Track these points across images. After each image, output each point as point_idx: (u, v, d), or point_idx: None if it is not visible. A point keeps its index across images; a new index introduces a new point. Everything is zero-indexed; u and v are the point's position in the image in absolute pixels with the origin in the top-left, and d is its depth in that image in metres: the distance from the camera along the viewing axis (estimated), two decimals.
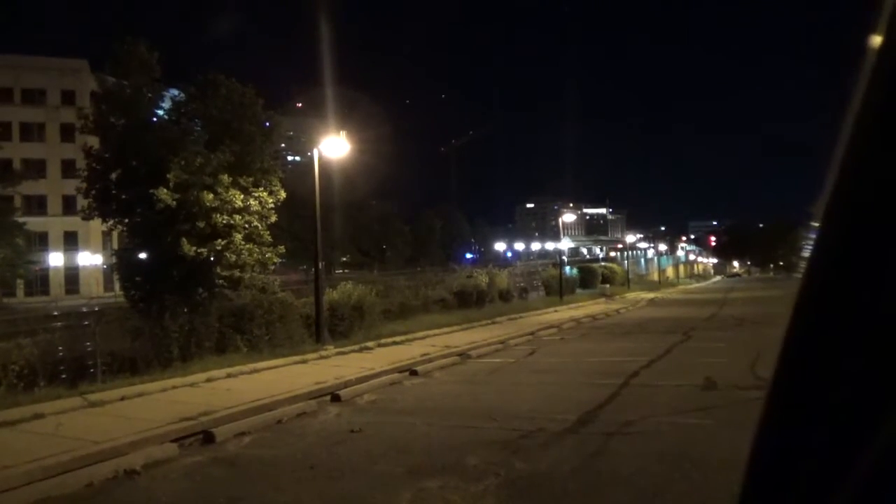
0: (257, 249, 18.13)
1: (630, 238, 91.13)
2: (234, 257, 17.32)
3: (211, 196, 16.78)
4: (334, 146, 17.79)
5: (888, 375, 0.62)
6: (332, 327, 17.59)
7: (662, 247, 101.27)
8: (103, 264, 52.95)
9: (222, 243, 17.09)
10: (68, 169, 47.47)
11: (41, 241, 52.82)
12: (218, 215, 16.95)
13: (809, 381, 0.71)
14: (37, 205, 53.88)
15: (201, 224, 16.82)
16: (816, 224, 0.71)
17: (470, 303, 27.73)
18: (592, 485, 5.76)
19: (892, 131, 0.64)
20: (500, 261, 71.74)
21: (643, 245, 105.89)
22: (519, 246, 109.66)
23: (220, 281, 17.34)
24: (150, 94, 18.74)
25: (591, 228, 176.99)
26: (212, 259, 17.04)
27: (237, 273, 17.55)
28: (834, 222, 0.70)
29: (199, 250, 16.74)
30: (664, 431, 7.46)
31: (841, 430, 0.67)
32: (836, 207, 0.69)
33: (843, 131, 0.67)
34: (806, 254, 0.74)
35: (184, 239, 16.60)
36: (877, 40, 0.64)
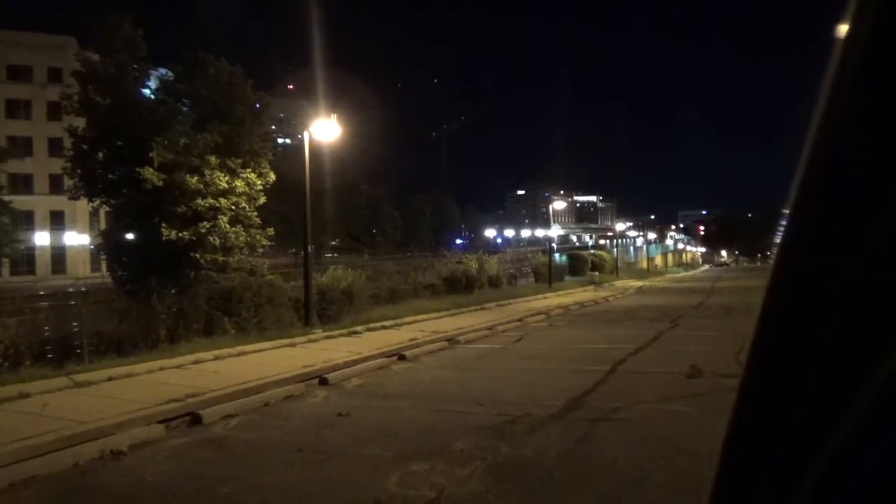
0: (244, 232, 17.99)
1: (620, 226, 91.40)
2: (218, 241, 17.14)
3: (195, 179, 16.57)
4: (325, 129, 17.66)
5: (856, 360, 0.64)
6: (320, 311, 17.57)
7: (652, 235, 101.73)
8: (90, 244, 52.41)
9: (206, 226, 16.91)
10: (55, 147, 46.92)
11: (27, 220, 52.28)
12: (200, 199, 16.74)
13: (780, 366, 0.73)
14: (23, 183, 53.24)
15: (182, 208, 16.63)
16: (787, 211, 0.72)
17: (459, 288, 27.77)
18: (578, 469, 5.81)
19: (856, 121, 0.66)
20: (490, 247, 71.71)
21: (633, 233, 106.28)
22: (509, 232, 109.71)
23: (205, 263, 17.21)
24: (136, 73, 18.47)
25: (582, 216, 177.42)
26: (194, 241, 16.84)
27: (221, 257, 17.40)
28: (803, 209, 0.71)
29: (180, 234, 16.55)
30: (650, 418, 7.54)
31: (811, 415, 0.68)
32: (805, 194, 0.71)
33: (813, 121, 0.69)
34: (778, 240, 0.76)
35: (164, 224, 16.41)
36: (843, 29, 0.66)
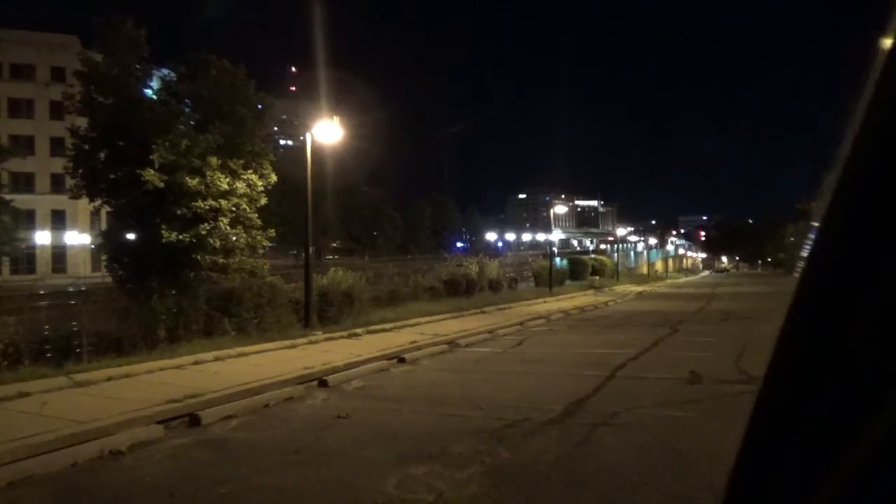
0: (245, 234, 17.98)
1: (621, 231, 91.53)
2: (218, 242, 17.12)
3: (196, 180, 16.56)
4: (327, 131, 17.67)
5: (877, 377, 0.63)
6: (321, 313, 17.56)
7: (652, 240, 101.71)
8: (91, 244, 52.52)
9: (207, 228, 16.88)
10: (57, 146, 47.01)
11: (28, 219, 52.29)
12: (201, 200, 16.71)
13: (802, 380, 0.72)
14: (24, 182, 53.31)
15: (182, 209, 16.62)
16: (816, 224, 0.71)
17: (459, 292, 27.77)
18: (576, 474, 5.81)
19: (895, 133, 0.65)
20: (491, 250, 71.60)
21: (633, 238, 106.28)
22: (510, 236, 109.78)
23: (205, 263, 17.18)
24: (138, 73, 18.47)
25: (583, 220, 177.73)
26: (194, 242, 16.80)
27: (221, 259, 17.38)
28: (836, 222, 0.70)
29: (180, 237, 16.52)
30: (649, 423, 7.53)
31: (831, 430, 0.67)
32: (839, 209, 0.69)
33: (848, 133, 0.67)
34: (805, 253, 0.74)
35: (163, 226, 16.39)
36: (887, 43, 0.64)
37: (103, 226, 25.77)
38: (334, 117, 17.83)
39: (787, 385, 0.74)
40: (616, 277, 54.06)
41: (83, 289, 29.34)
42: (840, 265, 0.70)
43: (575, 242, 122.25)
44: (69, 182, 19.30)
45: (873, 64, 0.66)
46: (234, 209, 17.58)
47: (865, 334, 0.66)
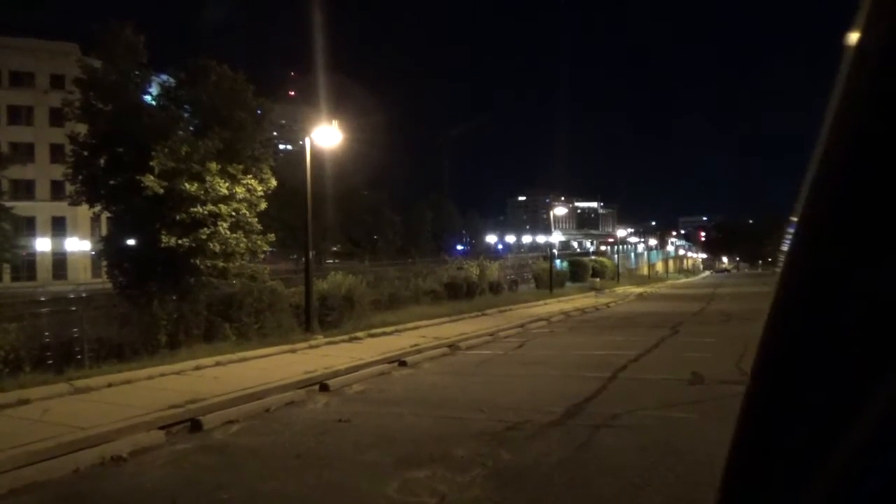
0: (245, 238, 17.98)
1: (621, 232, 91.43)
2: (218, 247, 17.13)
3: (195, 186, 16.56)
4: (326, 135, 17.68)
5: (862, 371, 0.63)
6: (321, 317, 17.55)
7: (653, 241, 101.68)
8: (91, 250, 52.51)
9: (206, 233, 16.89)
10: (57, 153, 47.01)
11: (29, 226, 52.28)
12: (200, 206, 16.71)
13: (787, 376, 0.72)
14: (24, 189, 53.30)
15: (182, 215, 16.63)
16: (795, 219, 0.72)
17: (460, 294, 27.76)
18: (578, 476, 5.80)
19: (866, 129, 0.65)
20: (491, 253, 71.53)
21: (634, 239, 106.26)
22: (510, 238, 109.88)
23: (205, 268, 17.17)
24: (137, 80, 18.48)
25: (583, 222, 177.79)
26: (194, 247, 16.80)
27: (221, 263, 17.37)
28: (812, 218, 0.71)
29: (179, 241, 16.53)
30: (650, 425, 7.52)
31: (819, 425, 0.68)
32: (814, 203, 0.70)
33: (823, 129, 0.68)
34: (785, 247, 0.75)
35: (163, 231, 16.41)
36: (853, 37, 0.65)
37: (103, 232, 25.72)
38: (333, 121, 17.84)
39: (773, 380, 0.74)
40: (616, 279, 54.01)
41: (84, 295, 29.40)
42: (818, 260, 0.70)
43: (575, 244, 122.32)
44: (69, 188, 19.33)
45: (842, 60, 0.66)
46: (233, 214, 17.56)
47: (850, 326, 0.66)
